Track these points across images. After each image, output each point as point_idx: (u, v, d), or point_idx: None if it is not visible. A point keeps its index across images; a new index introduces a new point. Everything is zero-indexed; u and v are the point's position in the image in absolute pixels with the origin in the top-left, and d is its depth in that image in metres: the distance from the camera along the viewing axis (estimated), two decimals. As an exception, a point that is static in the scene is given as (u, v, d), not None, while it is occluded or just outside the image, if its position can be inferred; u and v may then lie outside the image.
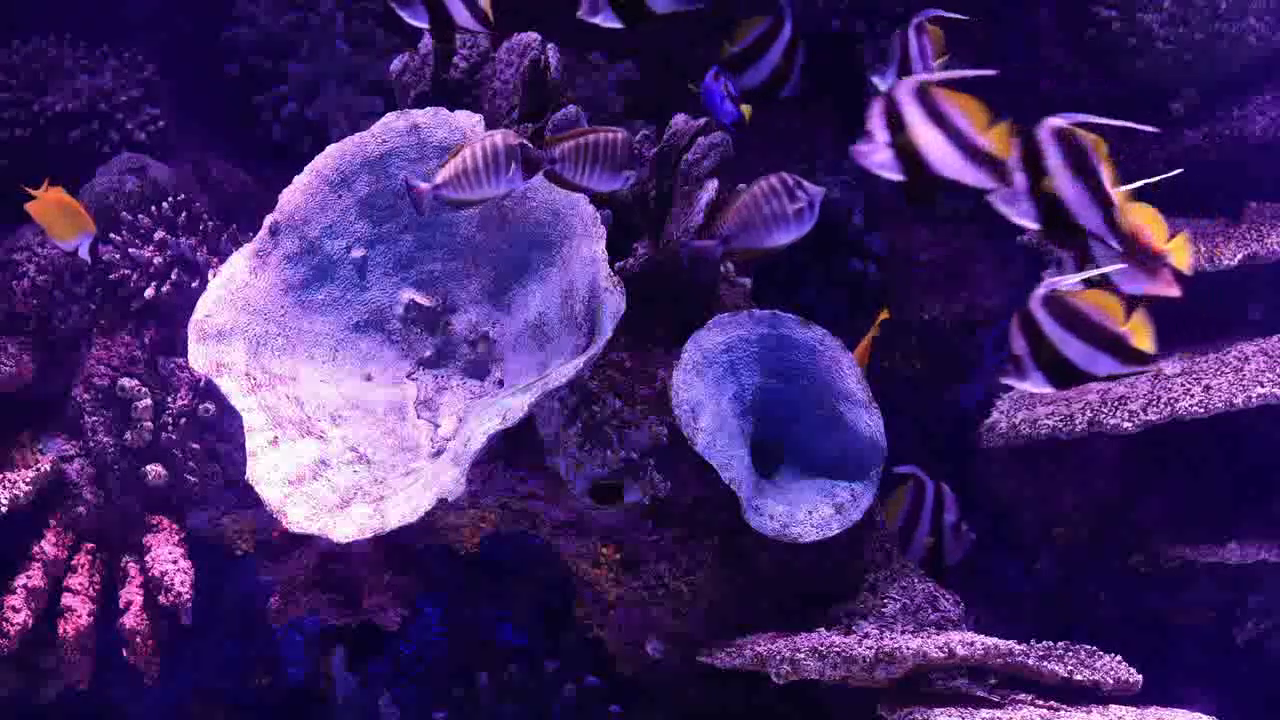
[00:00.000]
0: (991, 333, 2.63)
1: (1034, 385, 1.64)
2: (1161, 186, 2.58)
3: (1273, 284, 2.48)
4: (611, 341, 1.86)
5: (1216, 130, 2.56)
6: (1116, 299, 1.62)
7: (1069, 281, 1.66)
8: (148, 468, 2.38)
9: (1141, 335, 1.62)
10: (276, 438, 1.95)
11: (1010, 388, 2.45)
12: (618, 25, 1.89)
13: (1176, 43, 2.52)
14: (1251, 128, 2.55)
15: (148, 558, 2.37)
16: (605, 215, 2.00)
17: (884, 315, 2.29)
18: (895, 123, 1.60)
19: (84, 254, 2.19)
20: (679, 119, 2.09)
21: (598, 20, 1.88)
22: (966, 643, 1.88)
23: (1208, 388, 2.14)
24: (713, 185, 2.05)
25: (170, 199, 2.45)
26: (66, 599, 2.36)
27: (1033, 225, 1.64)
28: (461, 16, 1.87)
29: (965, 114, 1.61)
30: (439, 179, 1.81)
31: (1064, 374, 1.63)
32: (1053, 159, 1.60)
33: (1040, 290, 1.62)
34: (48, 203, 2.17)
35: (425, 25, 1.87)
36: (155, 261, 2.40)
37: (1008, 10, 2.67)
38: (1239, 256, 2.30)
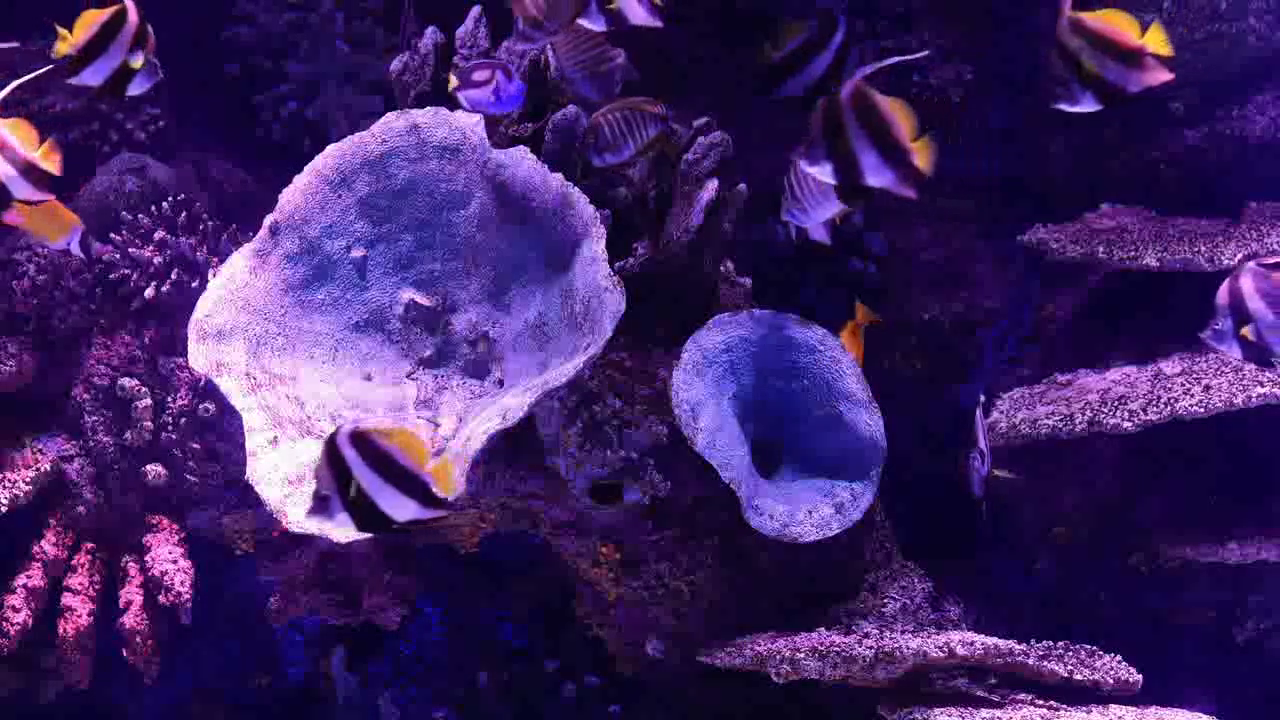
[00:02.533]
0: (991, 333, 2.63)
1: (339, 529, 1.65)
2: (1161, 187, 2.59)
3: (1273, 284, 2.47)
4: (611, 341, 1.86)
5: (1216, 130, 2.56)
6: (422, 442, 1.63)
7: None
8: (148, 467, 2.38)
9: (443, 478, 1.63)
10: (276, 438, 1.95)
11: (1010, 388, 2.46)
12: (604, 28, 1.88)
13: (1176, 43, 2.52)
14: (1251, 128, 2.55)
15: (148, 557, 2.37)
16: (605, 215, 2.00)
17: (865, 319, 2.27)
18: (834, 130, 1.64)
19: (76, 250, 2.19)
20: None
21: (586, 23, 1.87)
22: (966, 643, 1.88)
23: (1208, 388, 2.14)
24: (713, 185, 2.05)
25: (170, 199, 2.45)
26: (66, 599, 2.36)
27: (830, 180, 1.68)
28: (637, 15, 1.83)
29: (897, 121, 1.64)
30: None
31: (369, 517, 1.63)
32: (849, 120, 1.64)
33: (346, 427, 1.61)
34: (34, 210, 2.17)
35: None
36: (155, 261, 2.40)
37: (1008, 10, 2.67)
38: (1239, 256, 2.30)
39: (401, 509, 1.60)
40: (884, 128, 1.63)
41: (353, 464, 1.59)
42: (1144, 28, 1.68)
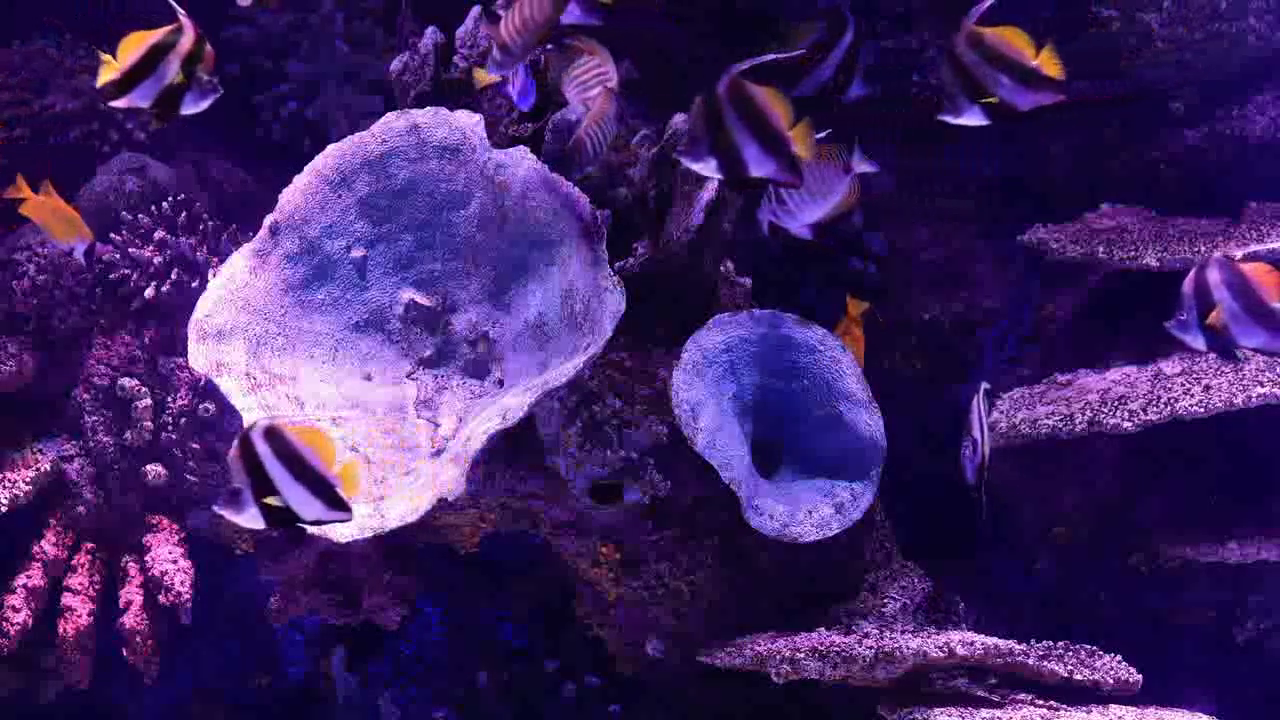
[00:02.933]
0: (991, 333, 2.63)
1: (250, 520, 1.67)
2: (1161, 187, 2.59)
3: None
4: (611, 341, 1.86)
5: (1216, 130, 2.56)
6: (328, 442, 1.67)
7: None
8: (148, 467, 2.38)
9: (349, 483, 1.66)
10: (276, 437, 1.95)
11: (1010, 388, 2.46)
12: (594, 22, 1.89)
13: (1176, 43, 2.52)
14: (1251, 128, 2.55)
15: (147, 557, 2.37)
16: (605, 215, 2.00)
17: (858, 310, 2.26)
18: (714, 125, 1.66)
19: (79, 256, 2.19)
20: (679, 119, 2.09)
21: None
22: (966, 643, 1.88)
23: (1208, 388, 2.14)
24: (712, 185, 2.05)
25: (170, 199, 2.45)
26: (66, 599, 2.36)
27: (718, 176, 1.70)
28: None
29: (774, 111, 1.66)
30: None
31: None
32: (728, 114, 1.66)
33: (262, 422, 1.64)
34: (44, 206, 2.17)
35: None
36: (155, 261, 2.40)
37: (1008, 10, 2.67)
38: (1239, 256, 2.30)
39: (309, 508, 1.64)
40: (763, 119, 1.65)
41: (265, 459, 1.62)
42: (1038, 48, 1.70)
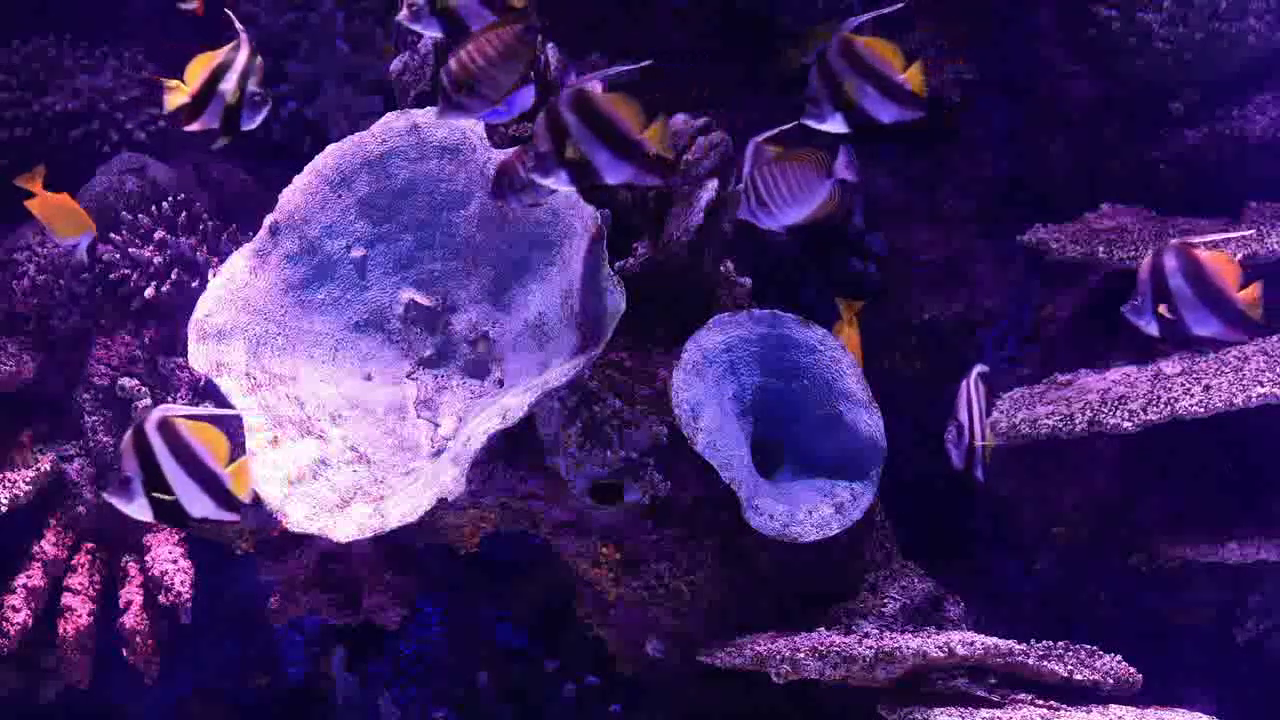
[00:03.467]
0: (991, 333, 2.63)
1: (138, 511, 1.68)
2: (1161, 187, 2.59)
3: (1273, 284, 2.47)
4: (611, 341, 1.86)
5: (1216, 130, 2.56)
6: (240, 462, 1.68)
7: None
8: (148, 467, 2.38)
9: (240, 480, 1.68)
10: (276, 437, 1.95)
11: (1010, 388, 2.46)
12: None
13: (1176, 42, 2.52)
14: (1251, 128, 2.55)
15: (147, 557, 2.37)
16: (605, 215, 2.00)
17: (851, 310, 2.26)
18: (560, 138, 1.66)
19: (81, 253, 2.19)
20: (678, 119, 2.09)
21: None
22: (966, 642, 1.88)
23: (1208, 387, 2.14)
24: (712, 185, 2.05)
25: (170, 199, 2.45)
26: (66, 598, 2.36)
27: (569, 188, 1.71)
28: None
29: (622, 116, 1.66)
30: None
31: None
32: (571, 123, 1.66)
33: (156, 413, 1.64)
34: (50, 201, 2.17)
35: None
36: (155, 261, 2.40)
37: (1008, 10, 2.67)
38: (1239, 256, 2.29)
39: (199, 505, 1.65)
40: (608, 124, 1.65)
41: (157, 451, 1.62)
42: (907, 63, 1.73)
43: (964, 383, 2.04)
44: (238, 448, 1.94)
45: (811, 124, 1.76)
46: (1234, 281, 1.75)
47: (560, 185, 1.69)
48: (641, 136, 1.65)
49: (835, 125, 1.75)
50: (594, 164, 1.66)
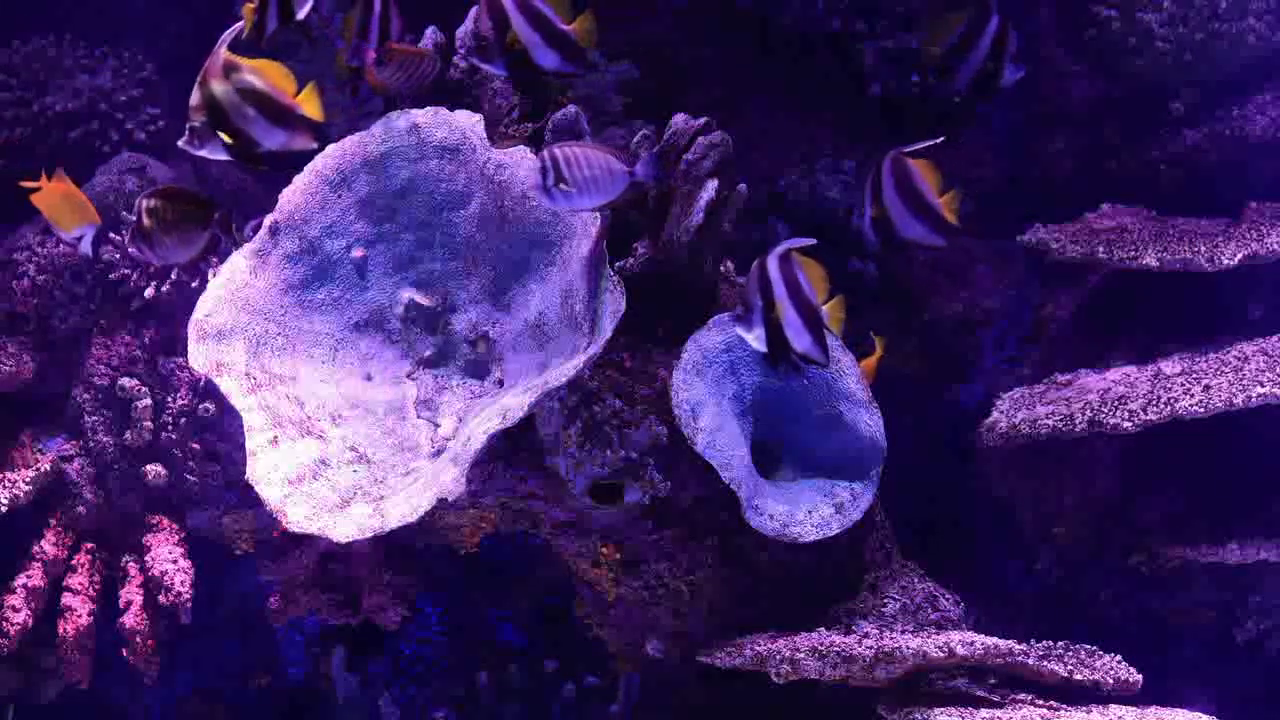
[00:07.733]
0: (991, 333, 2.63)
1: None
2: (1161, 187, 2.59)
3: (1273, 284, 2.47)
4: (611, 341, 1.86)
5: (1216, 130, 2.56)
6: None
7: None
8: (148, 468, 2.38)
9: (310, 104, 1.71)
10: (276, 437, 1.95)
11: (1010, 388, 2.46)
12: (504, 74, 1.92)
13: (1176, 43, 2.52)
14: (1251, 128, 2.55)
15: (148, 557, 2.37)
16: (605, 215, 2.00)
17: (880, 351, 2.27)
18: None
19: (86, 246, 2.17)
20: (679, 119, 2.09)
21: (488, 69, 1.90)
22: (966, 643, 1.88)
23: (1208, 388, 2.14)
24: (712, 185, 2.05)
25: (170, 199, 2.44)
26: (66, 599, 2.36)
27: (228, 157, 1.76)
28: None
29: None
30: None
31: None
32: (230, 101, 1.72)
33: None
34: (53, 192, 2.17)
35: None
36: (155, 261, 2.40)
37: (1008, 10, 2.67)
38: (1239, 256, 2.30)
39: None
40: (263, 97, 1.70)
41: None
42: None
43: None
44: (238, 448, 1.94)
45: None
46: (935, 187, 1.88)
47: (216, 155, 1.74)
48: (294, 102, 1.70)
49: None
50: (252, 133, 1.71)
